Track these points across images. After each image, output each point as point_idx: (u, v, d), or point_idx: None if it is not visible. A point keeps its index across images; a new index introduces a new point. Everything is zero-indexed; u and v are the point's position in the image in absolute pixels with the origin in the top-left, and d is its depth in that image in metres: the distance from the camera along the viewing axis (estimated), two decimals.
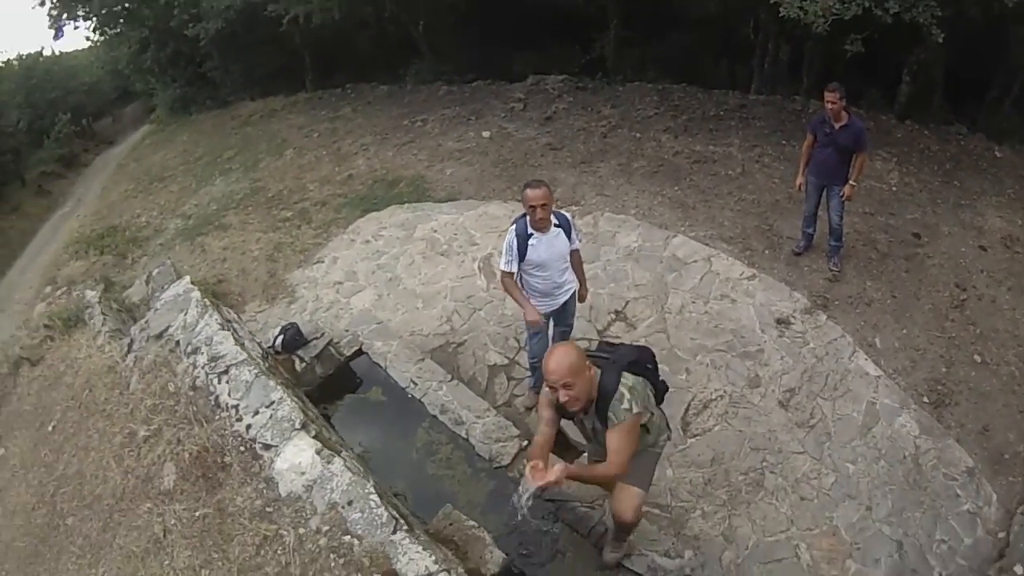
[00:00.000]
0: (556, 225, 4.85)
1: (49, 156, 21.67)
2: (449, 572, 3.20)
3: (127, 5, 18.39)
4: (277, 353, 5.84)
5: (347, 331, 6.42)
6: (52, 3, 19.33)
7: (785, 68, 11.02)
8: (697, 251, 7.45)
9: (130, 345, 4.97)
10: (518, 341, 6.42)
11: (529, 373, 5.91)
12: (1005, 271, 7.15)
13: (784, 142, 9.19)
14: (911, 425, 5.72)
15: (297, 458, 3.81)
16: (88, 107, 26.56)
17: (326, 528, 3.53)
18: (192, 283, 5.16)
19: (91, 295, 5.90)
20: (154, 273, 6.08)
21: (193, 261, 8.64)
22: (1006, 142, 9.17)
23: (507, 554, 4.01)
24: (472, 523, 3.96)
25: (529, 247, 4.78)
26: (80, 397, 5.02)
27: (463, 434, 5.25)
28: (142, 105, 25.23)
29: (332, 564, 3.39)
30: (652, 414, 3.75)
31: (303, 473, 3.74)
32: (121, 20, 19.31)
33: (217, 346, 4.45)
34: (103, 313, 5.56)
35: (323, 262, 8.01)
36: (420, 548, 3.29)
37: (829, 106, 6.36)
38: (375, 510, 3.48)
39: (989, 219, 7.85)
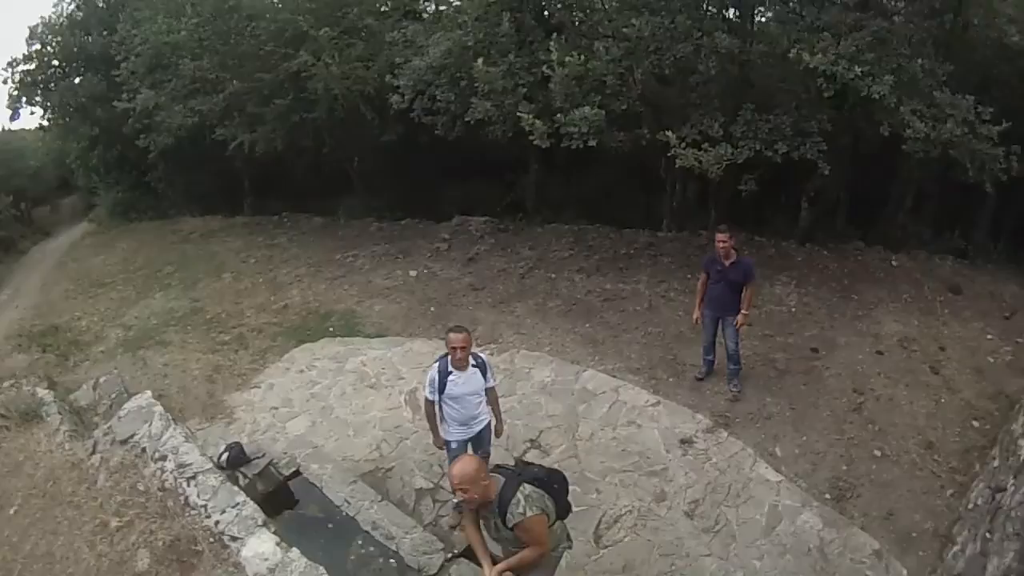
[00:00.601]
0: (474, 365, 6.03)
1: None
2: None
3: (83, 101, 20.22)
4: (221, 468, 6.61)
5: (285, 453, 7.26)
6: (13, 84, 21.32)
7: (693, 204, 12.78)
8: (606, 383, 8.54)
9: (95, 446, 6.07)
10: (441, 467, 7.22)
11: (453, 495, 6.68)
12: (902, 370, 8.36)
13: (689, 276, 10.55)
14: (814, 520, 6.53)
15: (261, 548, 4.94)
16: (29, 192, 27.77)
17: None
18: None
19: (44, 393, 6.89)
20: (101, 380, 7.11)
21: (135, 373, 9.52)
22: (902, 250, 10.79)
23: None
24: None
25: (448, 382, 5.93)
26: (43, 487, 5.89)
27: (394, 547, 5.98)
28: (82, 199, 26.57)
29: None
30: (550, 519, 4.61)
31: (266, 559, 4.86)
32: (74, 114, 21.18)
33: (184, 455, 5.66)
34: (59, 412, 6.49)
35: (260, 387, 8.99)
36: None
37: (720, 246, 7.71)
38: None
39: (886, 325, 9.19)
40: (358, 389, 8.73)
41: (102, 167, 22.41)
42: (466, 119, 11.03)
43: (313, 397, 8.68)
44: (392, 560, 5.89)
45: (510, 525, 4.34)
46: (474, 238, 13.00)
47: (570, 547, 5.01)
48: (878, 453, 7.25)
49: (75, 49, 20.78)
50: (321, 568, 4.71)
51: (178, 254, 15.53)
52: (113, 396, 6.58)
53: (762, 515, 6.60)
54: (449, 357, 5.92)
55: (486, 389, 6.15)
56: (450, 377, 5.90)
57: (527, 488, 4.38)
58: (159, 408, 6.23)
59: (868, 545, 6.27)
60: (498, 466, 4.79)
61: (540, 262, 11.78)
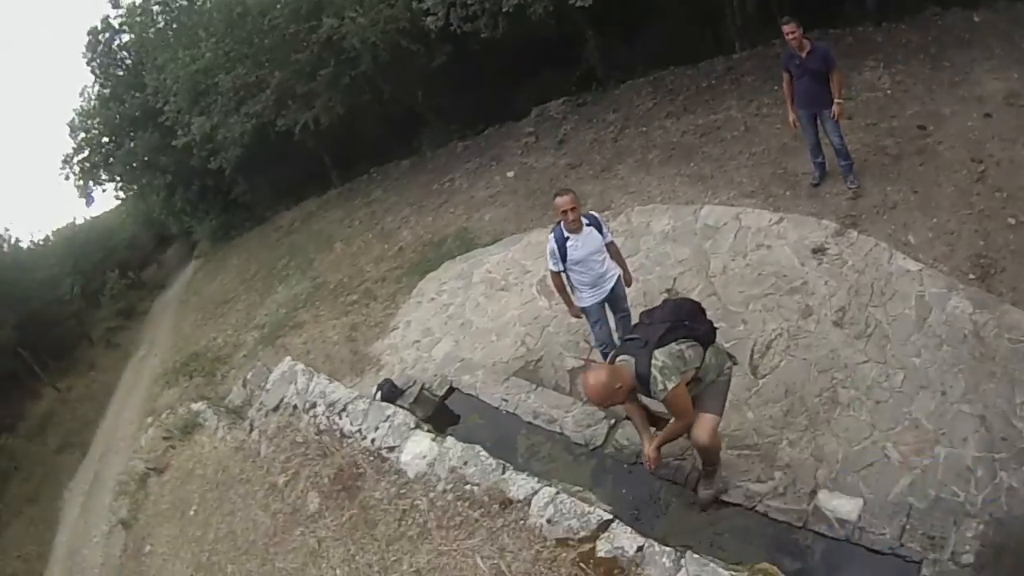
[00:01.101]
0: (587, 224, 5.37)
1: (109, 312, 22.03)
2: (550, 484, 3.98)
3: (146, 159, 19.38)
4: None
5: (435, 376, 6.93)
6: (75, 175, 20.83)
7: (756, 19, 10.96)
8: (725, 214, 7.59)
9: (251, 424, 5.92)
10: (588, 342, 6.73)
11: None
12: (1015, 128, 6.90)
13: (776, 88, 8.97)
14: (963, 304, 5.62)
15: (417, 448, 4.73)
16: (132, 260, 26.89)
17: (450, 487, 4.35)
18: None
19: (198, 406, 6.89)
20: (248, 376, 6.97)
21: (279, 361, 9.36)
22: (980, 5, 8.81)
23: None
24: (577, 487, 4.38)
25: (568, 248, 5.31)
26: (215, 479, 5.91)
27: (557, 429, 5.60)
28: (182, 245, 25.92)
29: (460, 509, 4.17)
30: (697, 367, 4.13)
31: (424, 456, 4.64)
32: (143, 172, 20.32)
33: (331, 395, 5.40)
34: (215, 415, 6.47)
35: (398, 328, 8.56)
36: (525, 475, 4.16)
37: (790, 38, 6.54)
38: (486, 461, 4.34)
39: (987, 85, 7.58)
40: (490, 296, 8.15)
41: (188, 206, 21.20)
42: (504, 9, 9.61)
43: (450, 318, 8.15)
44: (559, 442, 5.50)
45: (659, 397, 4.01)
46: (557, 121, 11.73)
47: (736, 363, 4.54)
48: (1012, 221, 6.07)
49: (117, 120, 19.55)
50: (477, 447, 4.46)
51: (286, 246, 14.81)
52: (263, 384, 6.38)
53: (910, 309, 5.75)
54: (562, 223, 5.30)
55: (606, 245, 5.49)
56: (568, 243, 5.29)
57: (659, 359, 3.91)
58: (300, 366, 5.91)
59: (1023, 322, 5.39)
60: (624, 341, 4.31)
61: (628, 121, 10.52)
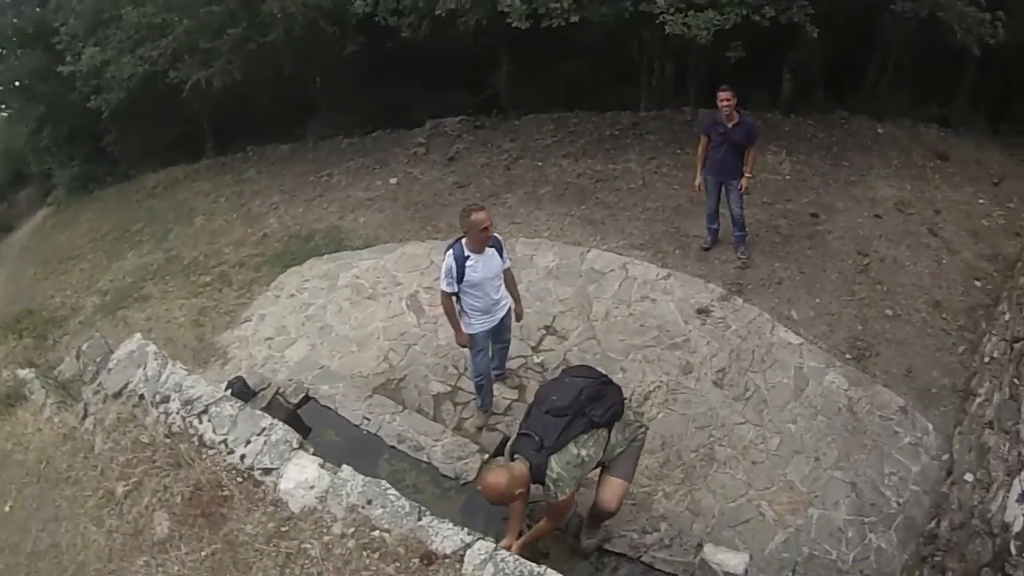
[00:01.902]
0: (490, 246, 5.36)
1: None
2: (484, 538, 3.62)
3: (25, 81, 18.27)
4: None
5: (290, 380, 6.57)
6: None
7: (671, 83, 12.03)
8: (612, 261, 8.03)
9: (85, 409, 4.99)
10: (456, 368, 6.79)
11: (475, 394, 6.26)
12: (902, 232, 8.06)
13: (679, 151, 10.01)
14: (839, 380, 6.34)
15: (302, 475, 4.05)
16: None
17: (351, 530, 3.76)
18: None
19: (24, 373, 5.84)
20: (84, 347, 6.07)
21: (118, 335, 8.44)
22: (886, 118, 10.34)
23: None
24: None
25: (467, 268, 5.27)
26: (36, 471, 4.91)
27: (424, 458, 5.48)
28: (37, 188, 24.18)
29: (367, 561, 3.62)
30: (600, 459, 4.27)
31: (311, 487, 3.99)
32: (17, 96, 19.19)
33: (189, 390, 4.60)
34: (43, 388, 5.53)
35: (251, 320, 8.18)
36: (451, 525, 3.68)
37: (723, 105, 7.12)
38: (396, 502, 3.80)
39: (880, 189, 8.83)
40: (355, 303, 8.01)
41: (53, 146, 20.01)
42: (436, 12, 9.95)
43: (308, 320, 7.92)
44: (425, 471, 5.40)
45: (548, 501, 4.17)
46: (451, 138, 12.01)
47: (645, 429, 4.63)
48: (889, 312, 7.02)
49: (9, 31, 18.42)
50: (383, 482, 3.92)
51: (144, 210, 14.12)
52: (98, 360, 5.51)
53: (789, 378, 6.39)
54: (464, 241, 5.27)
55: (504, 270, 5.55)
56: (468, 262, 5.25)
57: (554, 470, 4.01)
58: (152, 347, 5.05)
59: (893, 402, 6.13)
60: (520, 436, 4.23)
61: (524, 152, 10.97)
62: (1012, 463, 4.42)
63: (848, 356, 6.58)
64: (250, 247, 9.94)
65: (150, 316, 8.96)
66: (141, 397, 4.75)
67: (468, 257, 5.27)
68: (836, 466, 5.61)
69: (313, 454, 4.21)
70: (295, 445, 4.19)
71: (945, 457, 5.65)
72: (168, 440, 4.45)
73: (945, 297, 7.16)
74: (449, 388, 6.64)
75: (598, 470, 4.43)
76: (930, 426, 5.92)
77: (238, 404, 4.49)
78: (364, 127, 13.58)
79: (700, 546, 4.62)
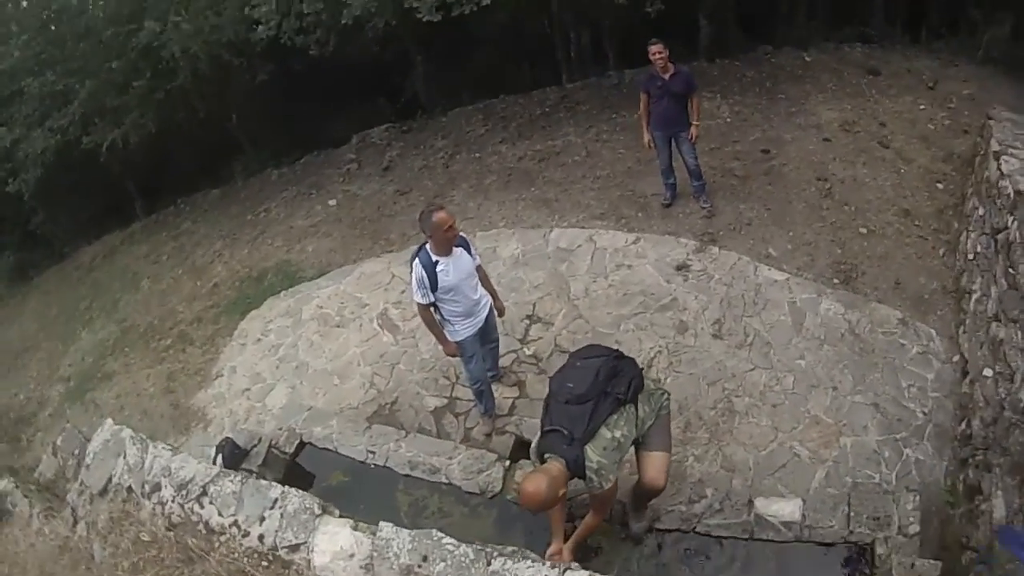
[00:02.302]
0: (456, 245, 5.05)
1: None
2: (570, 567, 3.23)
3: None
4: None
5: (280, 430, 6.16)
6: None
7: (589, 52, 11.97)
8: (577, 236, 7.85)
9: (74, 514, 4.43)
10: (448, 378, 6.53)
11: (475, 401, 6.00)
12: (854, 151, 8.11)
13: (614, 115, 9.90)
14: (835, 306, 6.32)
15: (336, 543, 3.57)
16: None
17: None
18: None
19: (5, 484, 5.27)
20: (58, 442, 5.57)
21: (91, 420, 7.91)
22: (810, 46, 10.44)
23: None
24: (511, 548, 3.80)
25: (439, 274, 4.95)
26: None
27: (443, 479, 5.20)
28: None
29: None
30: (634, 436, 4.05)
31: (352, 555, 3.51)
32: None
33: (179, 472, 4.08)
34: (26, 496, 4.99)
35: (223, 375, 7.74)
36: (528, 562, 3.24)
37: (656, 58, 6.98)
38: (457, 552, 3.36)
39: (822, 115, 8.87)
40: (325, 334, 7.63)
41: None
42: (343, 22, 9.64)
43: (282, 362, 7.50)
44: (447, 493, 5.12)
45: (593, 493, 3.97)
46: (381, 148, 11.70)
47: (668, 395, 4.43)
48: (863, 230, 7.05)
49: None
50: (434, 532, 3.48)
51: (89, 286, 13.37)
52: (76, 452, 5.08)
53: (785, 315, 6.33)
54: (428, 246, 4.98)
55: (476, 268, 5.29)
56: (438, 267, 4.95)
57: (593, 460, 3.77)
58: (127, 432, 4.56)
59: (891, 316, 6.15)
60: (547, 434, 3.97)
61: (459, 146, 10.71)
62: None
63: (836, 281, 6.56)
64: (203, 300, 9.47)
65: (119, 393, 8.46)
66: (129, 490, 4.24)
67: (437, 262, 4.97)
68: (854, 391, 5.57)
69: (340, 516, 3.76)
70: (317, 511, 3.71)
71: (956, 358, 5.67)
72: (171, 533, 3.96)
73: (912, 205, 7.22)
74: (446, 400, 6.37)
75: (632, 451, 4.23)
76: (932, 332, 5.95)
77: (238, 478, 4.01)
78: (290, 155, 13.24)
79: (751, 503, 4.51)
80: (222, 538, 3.80)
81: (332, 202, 10.47)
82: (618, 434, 3.87)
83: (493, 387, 6.01)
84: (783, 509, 4.37)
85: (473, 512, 4.97)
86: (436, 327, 5.29)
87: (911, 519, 4.19)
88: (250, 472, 5.42)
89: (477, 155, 10.25)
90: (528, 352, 6.62)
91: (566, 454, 3.76)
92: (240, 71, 12.09)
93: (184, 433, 7.13)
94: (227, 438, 5.75)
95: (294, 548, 3.62)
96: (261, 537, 3.71)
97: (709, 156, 8.45)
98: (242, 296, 9.01)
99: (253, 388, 7.31)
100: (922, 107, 8.70)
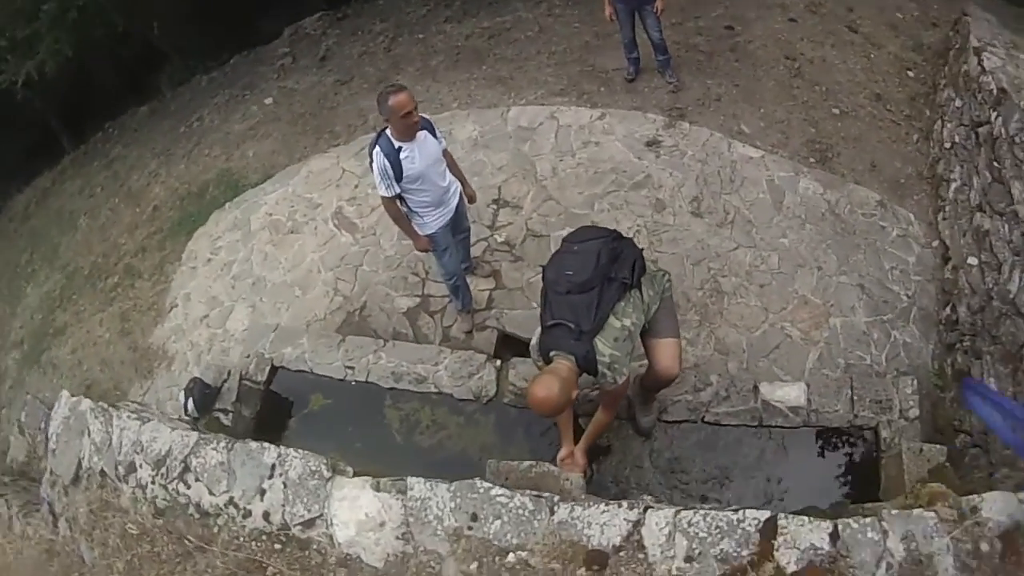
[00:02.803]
0: (420, 128, 4.58)
1: None
2: (652, 505, 2.86)
3: None
4: (195, 420, 5.11)
5: (247, 357, 5.72)
6: None
7: None
8: (538, 113, 7.41)
9: (52, 511, 3.82)
10: (417, 275, 6.19)
11: (450, 297, 5.71)
12: (822, 32, 7.87)
13: None
14: (813, 185, 6.22)
15: (359, 511, 2.99)
16: None
17: (474, 566, 2.78)
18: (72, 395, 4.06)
19: None
20: (23, 418, 4.97)
21: (51, 383, 7.44)
22: None
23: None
24: (527, 463, 3.62)
25: (403, 161, 4.49)
26: None
27: (432, 389, 4.95)
28: None
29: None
30: (641, 322, 3.80)
31: (382, 524, 2.94)
32: None
33: (152, 445, 3.44)
34: (1, 494, 4.34)
35: (177, 306, 7.12)
36: (602, 506, 2.78)
37: None
38: (512, 503, 2.85)
39: None
40: (278, 243, 7.07)
41: None
42: None
43: (237, 280, 6.93)
44: (439, 403, 4.87)
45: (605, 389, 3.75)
46: (316, 38, 10.82)
47: (669, 275, 4.20)
48: (836, 111, 6.90)
49: None
50: (477, 482, 2.91)
51: (26, 236, 12.09)
52: (43, 426, 4.47)
53: (764, 193, 6.20)
54: (388, 131, 4.48)
55: (442, 152, 4.85)
56: (402, 154, 4.47)
57: (605, 353, 3.47)
58: (86, 403, 3.88)
59: (870, 198, 6.11)
60: (550, 328, 3.60)
61: (400, 29, 9.94)
62: (1018, 243, 4.42)
63: (812, 160, 6.44)
64: (145, 227, 8.66)
65: (74, 347, 7.75)
66: (103, 474, 3.60)
67: (400, 148, 4.48)
68: (839, 271, 5.55)
69: (355, 473, 3.13)
70: (326, 472, 3.10)
71: (935, 243, 5.72)
72: (160, 521, 3.35)
73: (884, 90, 7.11)
74: (418, 299, 6.02)
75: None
76: (911, 216, 5.96)
77: (222, 444, 3.35)
78: (219, 58, 12.33)
79: (756, 388, 4.46)
80: (219, 521, 3.21)
81: (268, 100, 9.70)
82: (627, 322, 3.60)
83: (468, 280, 5.70)
84: (789, 394, 4.34)
85: (470, 420, 4.78)
86: (404, 221, 4.87)
87: (911, 403, 4.23)
88: (226, 412, 5.19)
89: (421, 36, 9.56)
90: (499, 239, 6.30)
91: (575, 349, 3.47)
92: None
93: (148, 376, 6.61)
94: (195, 379, 5.35)
95: (308, 524, 3.05)
96: (266, 515, 3.12)
97: (671, 31, 7.96)
98: (185, 215, 8.31)
99: (211, 314, 6.76)
100: None
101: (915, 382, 4.39)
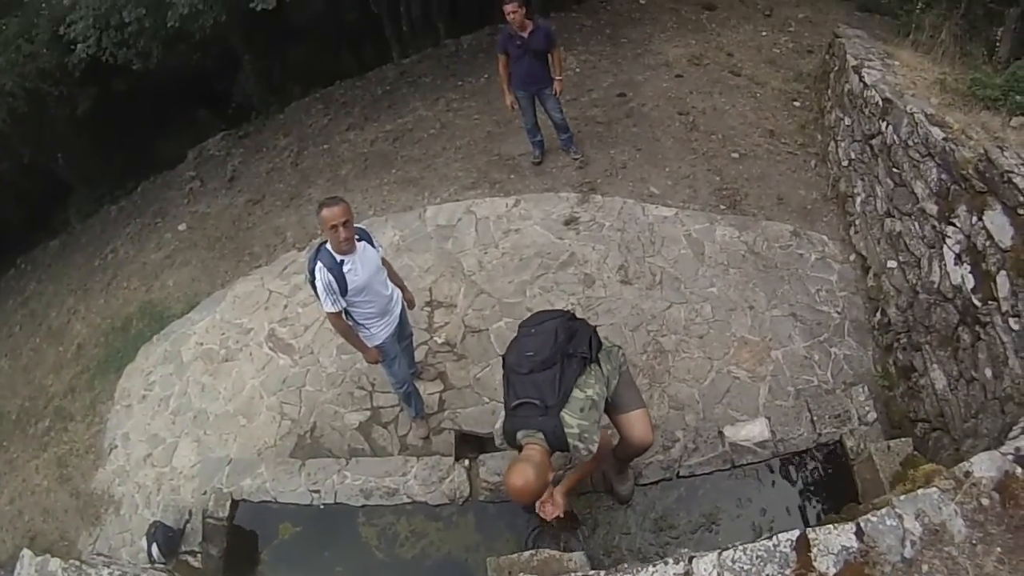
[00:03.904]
0: (358, 239, 4.60)
1: None
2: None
3: None
4: (163, 565, 4.95)
5: (204, 494, 5.58)
6: None
7: (422, 24, 11.77)
8: (453, 210, 7.65)
9: None
10: (363, 388, 6.20)
11: (401, 405, 5.73)
12: (707, 82, 8.46)
13: (460, 83, 9.80)
14: (729, 231, 6.57)
15: None
16: None
17: None
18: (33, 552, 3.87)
19: None
20: None
21: None
22: None
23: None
24: (527, 553, 3.69)
25: (347, 274, 4.49)
26: None
27: (405, 499, 4.95)
28: None
29: None
30: (604, 393, 3.89)
31: None
32: None
33: None
34: None
35: (116, 446, 6.91)
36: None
37: (512, 17, 6.76)
38: None
39: (668, 53, 9.18)
40: (214, 372, 6.99)
41: None
42: (169, 25, 8.88)
43: (176, 415, 6.81)
44: (414, 512, 4.87)
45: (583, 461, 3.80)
46: (221, 159, 10.98)
47: (622, 349, 4.34)
48: (736, 155, 7.36)
49: None
50: None
51: None
52: None
53: (685, 248, 6.50)
54: (329, 244, 4.45)
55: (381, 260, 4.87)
56: (345, 267, 4.44)
57: (572, 425, 3.55)
58: (55, 562, 3.75)
59: (783, 230, 6.49)
60: (517, 407, 3.67)
61: (304, 142, 10.20)
62: (930, 237, 4.73)
63: (722, 207, 6.81)
64: (71, 367, 8.42)
65: (11, 497, 7.38)
66: None
67: (342, 261, 4.47)
68: (770, 306, 5.83)
69: None
70: None
71: (853, 257, 6.07)
72: None
73: (775, 124, 7.64)
74: (368, 412, 6.01)
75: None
76: (824, 237, 6.35)
77: None
78: (126, 186, 12.33)
79: (721, 434, 4.63)
80: None
81: (182, 227, 9.70)
82: (591, 392, 3.69)
83: (417, 385, 5.72)
84: (752, 431, 4.55)
85: (449, 524, 4.79)
86: (353, 335, 4.82)
87: (867, 408, 4.54)
88: (193, 553, 5.04)
89: (326, 146, 9.81)
90: (439, 340, 6.37)
91: (543, 426, 3.54)
92: (60, 102, 11.27)
93: (96, 523, 6.33)
94: (155, 522, 5.18)
95: None
96: None
97: (568, 107, 8.44)
98: (111, 351, 8.14)
99: (154, 452, 6.57)
100: (764, 33, 9.23)
101: (865, 388, 4.72)
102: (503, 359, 4.00)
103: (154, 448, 6.63)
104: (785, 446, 4.52)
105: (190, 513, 5.28)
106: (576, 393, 3.64)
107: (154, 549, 5.03)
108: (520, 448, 3.62)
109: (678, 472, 4.57)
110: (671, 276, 6.27)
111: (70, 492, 6.86)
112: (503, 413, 3.87)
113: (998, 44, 7.78)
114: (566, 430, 3.52)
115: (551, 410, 3.56)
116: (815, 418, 4.56)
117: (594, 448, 3.62)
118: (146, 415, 7.01)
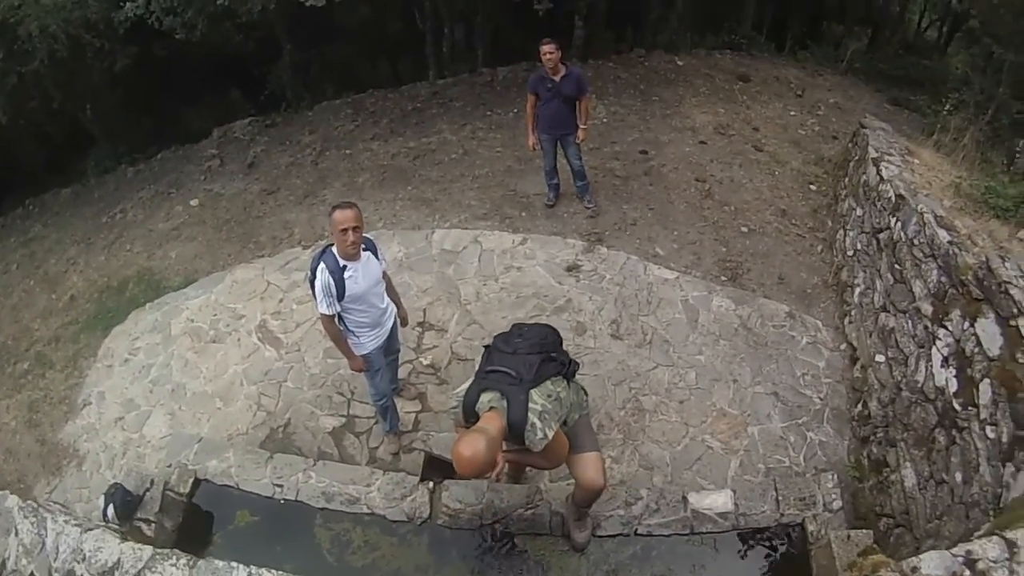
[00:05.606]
0: (364, 249, 4.76)
1: None
2: None
3: None
4: (118, 528, 4.97)
5: (169, 466, 5.68)
6: None
7: (463, 48, 12.13)
8: (462, 237, 7.85)
9: None
10: (342, 394, 6.32)
11: (377, 418, 5.85)
12: (730, 153, 8.70)
13: (489, 113, 10.07)
14: (725, 303, 6.75)
15: None
16: None
17: None
18: None
19: None
20: None
21: None
22: (681, 51, 11.13)
23: None
24: None
25: (347, 280, 4.63)
26: None
27: (364, 509, 5.03)
28: None
29: None
30: (568, 410, 4.01)
31: None
32: None
33: (97, 555, 3.31)
34: None
35: (91, 403, 7.00)
36: None
37: (547, 58, 6.96)
38: None
39: (696, 118, 9.45)
40: (200, 351, 7.12)
41: None
42: (218, 2, 9.24)
43: (155, 384, 6.92)
44: (371, 524, 4.95)
45: (534, 449, 3.72)
46: (244, 143, 11.19)
47: (587, 395, 4.47)
48: (744, 229, 7.57)
49: None
50: None
51: None
52: None
53: (679, 313, 6.67)
54: (335, 248, 4.59)
55: (382, 274, 5.01)
56: (347, 273, 4.59)
57: (538, 402, 3.66)
58: (13, 499, 3.77)
59: (779, 310, 6.66)
60: (489, 374, 3.81)
61: (328, 143, 10.43)
62: (920, 336, 4.90)
63: (723, 278, 7.00)
64: (60, 316, 8.57)
65: None
66: None
67: (345, 267, 4.60)
68: (754, 382, 5.99)
69: None
70: None
71: (843, 347, 6.25)
72: None
73: (788, 205, 7.86)
74: (343, 418, 6.14)
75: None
76: (819, 323, 6.52)
77: (183, 560, 3.24)
78: (147, 151, 12.49)
79: (685, 499, 4.74)
80: None
81: (194, 202, 9.89)
82: (561, 391, 3.83)
83: (395, 401, 5.85)
84: (716, 501, 4.65)
85: (403, 541, 4.86)
86: (342, 340, 4.94)
87: (833, 496, 4.67)
88: (148, 521, 5.09)
89: (348, 152, 10.04)
90: (425, 362, 6.53)
91: (510, 394, 3.65)
92: (100, 55, 11.38)
93: (56, 474, 6.44)
94: (116, 484, 5.23)
95: None
96: None
97: (589, 156, 8.73)
98: (103, 309, 8.28)
99: (127, 416, 6.69)
100: (792, 113, 9.50)
101: (835, 476, 4.86)
102: (491, 345, 4.13)
103: (127, 412, 6.75)
104: (747, 520, 4.63)
105: (151, 482, 5.34)
106: (548, 384, 3.78)
107: (110, 510, 5.09)
108: (475, 420, 3.70)
109: (636, 529, 4.67)
110: (662, 338, 6.44)
111: (36, 438, 6.95)
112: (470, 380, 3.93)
113: (1018, 155, 8.08)
114: (530, 405, 3.62)
115: (523, 384, 3.68)
116: (780, 498, 4.68)
117: (550, 434, 3.65)
118: (125, 379, 7.12)
